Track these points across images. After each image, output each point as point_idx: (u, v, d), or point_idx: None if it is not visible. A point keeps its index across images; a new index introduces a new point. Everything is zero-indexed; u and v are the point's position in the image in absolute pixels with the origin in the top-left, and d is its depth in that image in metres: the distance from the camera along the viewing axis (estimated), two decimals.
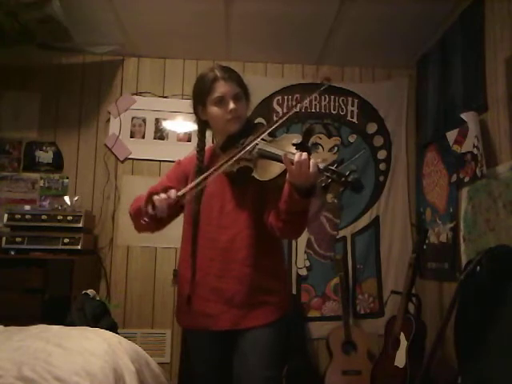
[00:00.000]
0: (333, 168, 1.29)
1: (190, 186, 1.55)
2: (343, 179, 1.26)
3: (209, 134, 1.78)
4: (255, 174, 1.51)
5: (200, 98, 1.68)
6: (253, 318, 1.60)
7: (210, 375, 1.70)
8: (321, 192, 1.35)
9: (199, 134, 1.75)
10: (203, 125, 1.74)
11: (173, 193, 1.52)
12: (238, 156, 1.51)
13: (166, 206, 1.51)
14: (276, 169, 1.44)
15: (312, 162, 1.33)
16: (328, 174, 1.29)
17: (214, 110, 1.65)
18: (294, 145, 1.46)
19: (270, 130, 1.56)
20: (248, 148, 1.52)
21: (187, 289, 1.66)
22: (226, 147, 1.65)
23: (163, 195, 1.51)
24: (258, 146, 1.54)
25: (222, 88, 1.64)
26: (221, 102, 1.64)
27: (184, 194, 1.53)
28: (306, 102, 1.58)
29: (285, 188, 1.42)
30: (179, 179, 1.75)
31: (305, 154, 1.34)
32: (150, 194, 1.57)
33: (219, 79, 1.64)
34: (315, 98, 3.70)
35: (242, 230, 1.62)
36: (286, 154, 1.37)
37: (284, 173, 1.41)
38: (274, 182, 1.47)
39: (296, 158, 1.34)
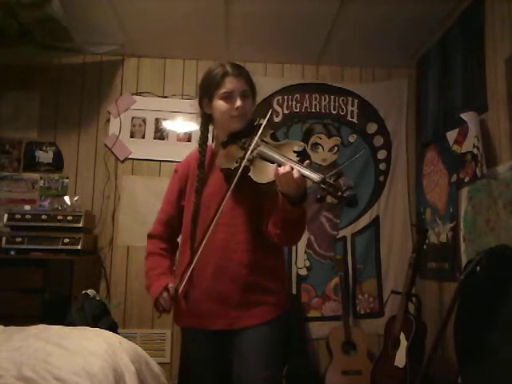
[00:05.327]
0: (329, 181, 1.28)
1: (183, 281, 1.59)
2: (339, 194, 1.26)
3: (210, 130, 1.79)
4: (252, 175, 1.51)
5: (207, 90, 1.68)
6: (249, 318, 1.60)
7: (208, 375, 1.70)
8: (314, 201, 1.35)
9: (202, 128, 1.75)
10: (207, 118, 1.74)
11: (171, 286, 1.62)
12: (245, 159, 1.51)
13: (170, 302, 1.63)
14: (273, 173, 1.43)
15: (296, 172, 1.34)
16: (324, 187, 1.28)
17: (220, 104, 1.65)
18: (295, 152, 1.46)
19: (264, 124, 1.58)
20: (251, 148, 1.53)
21: (184, 287, 1.66)
22: (226, 144, 1.65)
23: (165, 294, 1.63)
24: (259, 148, 1.54)
25: (231, 84, 1.64)
26: (228, 97, 1.64)
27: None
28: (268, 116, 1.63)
29: (278, 198, 1.44)
30: (181, 185, 1.77)
31: (287, 167, 1.36)
32: (161, 221, 1.78)
33: (229, 75, 1.64)
34: (315, 97, 3.70)
35: (238, 230, 1.62)
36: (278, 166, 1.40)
37: None
38: (270, 187, 1.46)
39: (280, 169, 1.37)
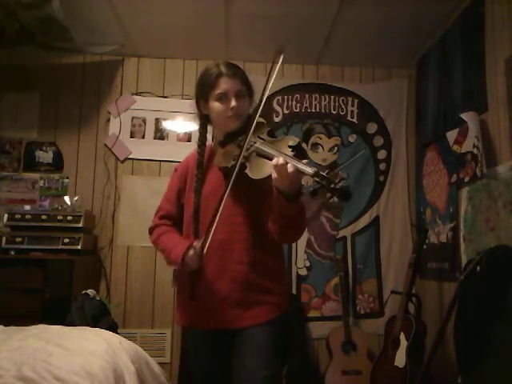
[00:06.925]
0: (323, 173, 1.28)
1: (208, 240, 1.54)
2: (332, 186, 1.26)
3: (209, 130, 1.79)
4: (248, 171, 1.51)
5: (203, 92, 1.68)
6: (249, 317, 1.60)
7: (207, 375, 1.70)
8: (309, 196, 1.35)
9: (200, 128, 1.75)
10: (204, 119, 1.75)
11: (196, 243, 1.55)
12: (241, 157, 1.51)
13: (198, 260, 1.55)
14: (269, 169, 1.43)
15: (290, 166, 1.33)
16: (317, 180, 1.28)
17: (215, 105, 1.66)
18: (289, 147, 1.46)
19: (257, 115, 1.56)
20: (246, 145, 1.53)
21: (188, 287, 1.66)
22: (224, 143, 1.66)
23: (191, 252, 1.54)
24: (255, 145, 1.54)
25: (225, 84, 1.64)
26: (223, 98, 1.64)
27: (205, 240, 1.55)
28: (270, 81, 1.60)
29: (273, 194, 1.43)
30: (180, 185, 1.77)
31: (281, 160, 1.35)
32: (162, 217, 1.76)
33: (223, 75, 1.64)
34: (315, 97, 3.70)
35: (238, 229, 1.63)
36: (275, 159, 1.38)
37: None
38: (266, 182, 1.46)
39: (273, 162, 1.36)
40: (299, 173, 1.34)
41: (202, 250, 1.53)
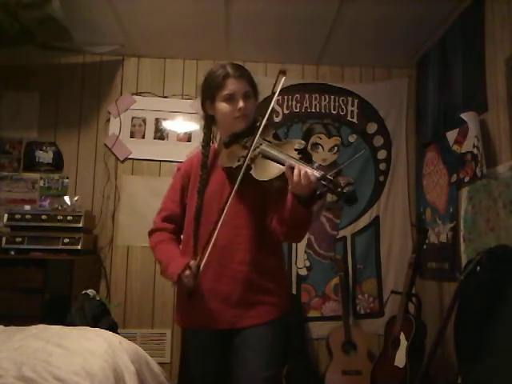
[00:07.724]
0: (330, 177, 1.30)
1: (204, 258, 1.54)
2: (339, 190, 1.27)
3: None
4: (253, 173, 1.52)
5: (209, 92, 1.69)
6: (249, 318, 1.60)
7: (208, 375, 1.70)
8: (316, 199, 1.39)
9: (205, 129, 1.75)
10: (210, 120, 1.75)
11: (192, 263, 1.55)
12: (248, 157, 1.52)
13: (193, 280, 1.55)
14: (274, 171, 1.45)
15: (309, 172, 1.34)
16: (324, 183, 1.30)
17: (222, 106, 1.66)
18: (296, 150, 1.47)
19: (263, 123, 1.57)
20: (253, 147, 1.54)
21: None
22: (229, 144, 1.66)
23: (187, 272, 1.54)
24: (261, 147, 1.55)
25: (232, 85, 1.65)
26: (230, 99, 1.65)
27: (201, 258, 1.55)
28: (272, 104, 1.63)
29: (287, 197, 1.44)
30: (183, 184, 1.77)
31: (303, 169, 1.36)
32: (165, 218, 1.75)
33: (230, 76, 1.65)
34: (315, 97, 3.70)
35: (240, 229, 1.63)
36: (289, 165, 1.40)
37: (281, 176, 1.43)
38: (270, 184, 1.48)
39: (295, 172, 1.37)
40: (317, 180, 1.34)
41: (198, 269, 1.54)
